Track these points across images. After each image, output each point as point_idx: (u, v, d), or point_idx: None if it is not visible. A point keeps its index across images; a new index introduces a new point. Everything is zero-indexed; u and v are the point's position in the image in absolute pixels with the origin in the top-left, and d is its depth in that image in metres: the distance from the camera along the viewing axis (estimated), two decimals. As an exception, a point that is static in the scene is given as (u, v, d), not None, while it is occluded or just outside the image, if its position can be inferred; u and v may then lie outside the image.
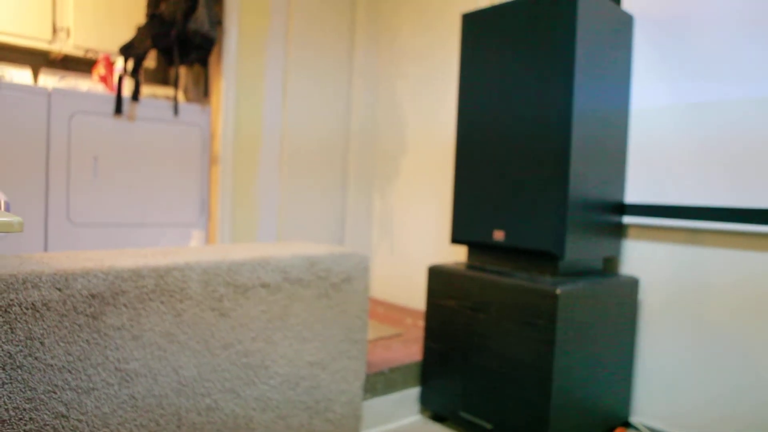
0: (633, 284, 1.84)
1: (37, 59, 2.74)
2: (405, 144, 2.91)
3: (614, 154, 1.83)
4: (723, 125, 1.70)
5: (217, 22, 2.54)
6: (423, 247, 2.81)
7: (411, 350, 2.03)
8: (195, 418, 1.31)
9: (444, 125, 2.69)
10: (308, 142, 2.94)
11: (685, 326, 1.80)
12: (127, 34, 2.69)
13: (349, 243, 3.11)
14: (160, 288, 1.23)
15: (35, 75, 2.60)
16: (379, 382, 1.81)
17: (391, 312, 2.71)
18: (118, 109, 2.35)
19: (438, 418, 1.92)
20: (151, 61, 2.82)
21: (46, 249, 2.23)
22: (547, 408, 1.54)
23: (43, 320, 1.08)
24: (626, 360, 1.86)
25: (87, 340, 1.13)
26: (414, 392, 1.92)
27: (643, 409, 1.89)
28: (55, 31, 2.58)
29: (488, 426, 1.69)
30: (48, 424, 1.10)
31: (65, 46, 2.62)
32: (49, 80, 2.51)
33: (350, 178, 3.11)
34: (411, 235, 2.88)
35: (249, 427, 1.40)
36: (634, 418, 1.91)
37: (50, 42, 2.58)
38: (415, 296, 2.84)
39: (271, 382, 1.44)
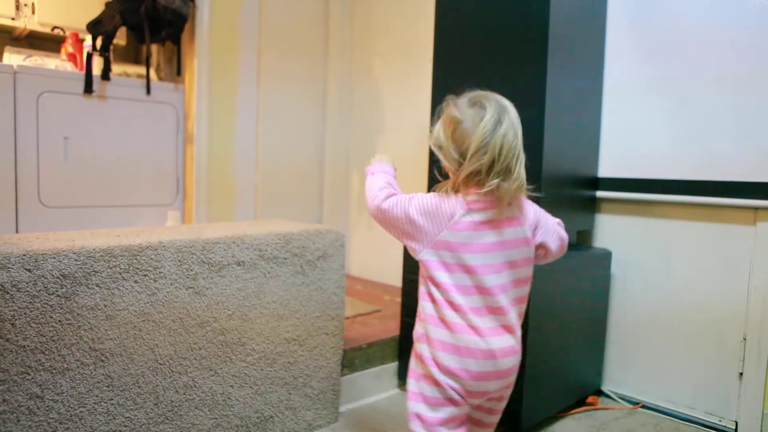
0: (606, 256, 1.88)
1: (1, 37, 2.65)
2: (382, 123, 2.90)
3: (588, 129, 1.85)
4: (691, 101, 1.72)
5: (188, -3, 2.48)
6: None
7: (389, 326, 2.05)
8: (173, 396, 1.31)
9: (420, 105, 2.69)
10: (285, 118, 2.91)
11: (654, 296, 1.85)
12: (94, 10, 2.61)
13: (327, 221, 3.11)
14: (133, 267, 1.22)
15: (-1, 53, 2.52)
16: (357, 358, 1.83)
17: (369, 289, 2.73)
18: (88, 88, 2.29)
19: (416, 391, 1.95)
20: (121, 39, 2.75)
21: (17, 233, 2.19)
22: (521, 379, 1.57)
23: (14, 301, 1.07)
24: (599, 330, 1.90)
25: (59, 321, 1.12)
26: (392, 367, 1.95)
27: (614, 377, 1.95)
28: (18, 6, 2.50)
29: (465, 397, 1.72)
30: (22, 405, 1.09)
31: (30, 23, 2.53)
32: (14, 58, 2.43)
33: (327, 155, 3.10)
34: (389, 213, 2.89)
35: (227, 403, 1.42)
36: (606, 387, 1.96)
37: (14, 18, 2.49)
38: (394, 273, 2.86)
39: (248, 359, 1.45)
